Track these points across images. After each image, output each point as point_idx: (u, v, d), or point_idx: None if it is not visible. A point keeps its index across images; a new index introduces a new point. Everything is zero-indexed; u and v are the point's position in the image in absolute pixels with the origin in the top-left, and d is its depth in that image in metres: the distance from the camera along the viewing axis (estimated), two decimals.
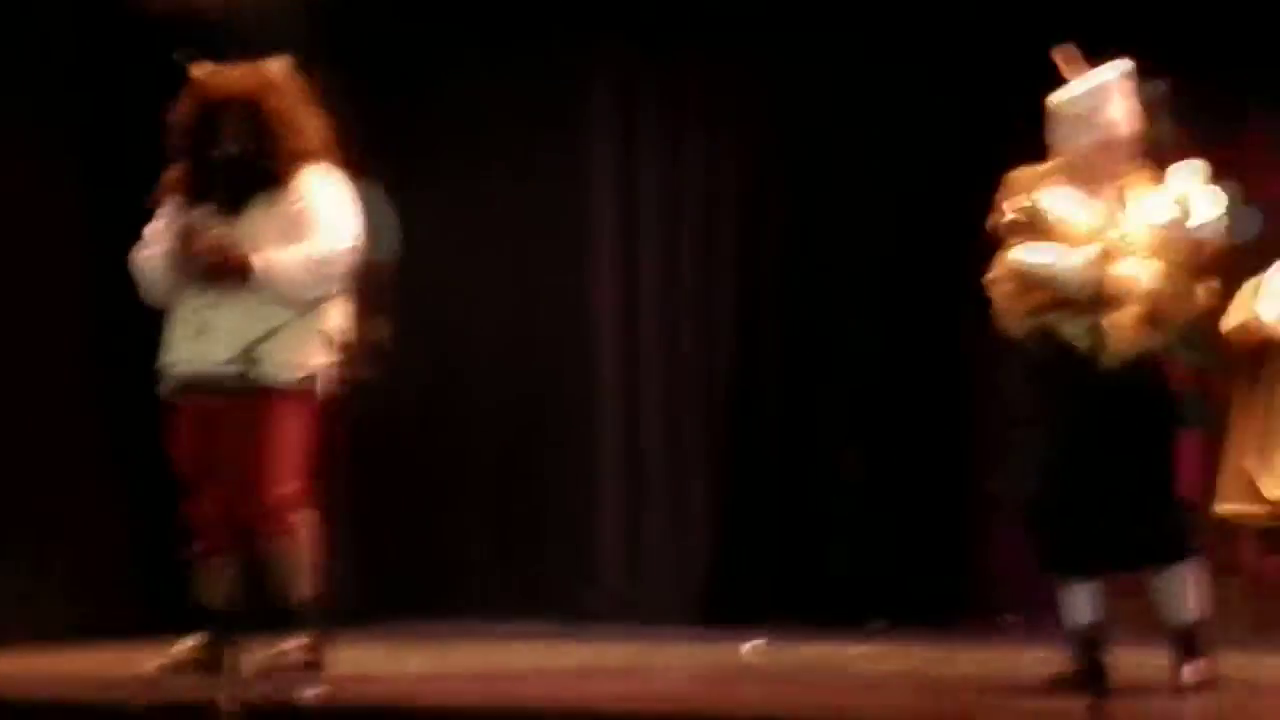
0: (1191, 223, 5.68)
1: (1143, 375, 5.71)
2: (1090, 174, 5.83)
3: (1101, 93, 5.92)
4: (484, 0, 7.55)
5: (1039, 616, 6.88)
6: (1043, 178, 5.87)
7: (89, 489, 7.96)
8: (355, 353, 6.29)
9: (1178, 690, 5.52)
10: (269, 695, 5.34)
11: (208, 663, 5.95)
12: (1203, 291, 5.77)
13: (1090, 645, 5.69)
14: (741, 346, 9.00)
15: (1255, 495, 6.84)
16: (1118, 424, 5.68)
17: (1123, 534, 5.66)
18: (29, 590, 7.84)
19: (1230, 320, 6.91)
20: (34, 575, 7.87)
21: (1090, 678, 5.49)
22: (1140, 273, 5.68)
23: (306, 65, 6.96)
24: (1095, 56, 5.99)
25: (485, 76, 9.19)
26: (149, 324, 6.32)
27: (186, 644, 6.18)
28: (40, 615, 7.79)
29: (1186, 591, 5.71)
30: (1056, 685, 5.64)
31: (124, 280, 6.41)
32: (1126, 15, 7.51)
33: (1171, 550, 5.70)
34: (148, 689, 5.75)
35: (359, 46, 8.86)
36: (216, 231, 6.04)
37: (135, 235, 6.34)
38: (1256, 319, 6.97)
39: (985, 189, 6.02)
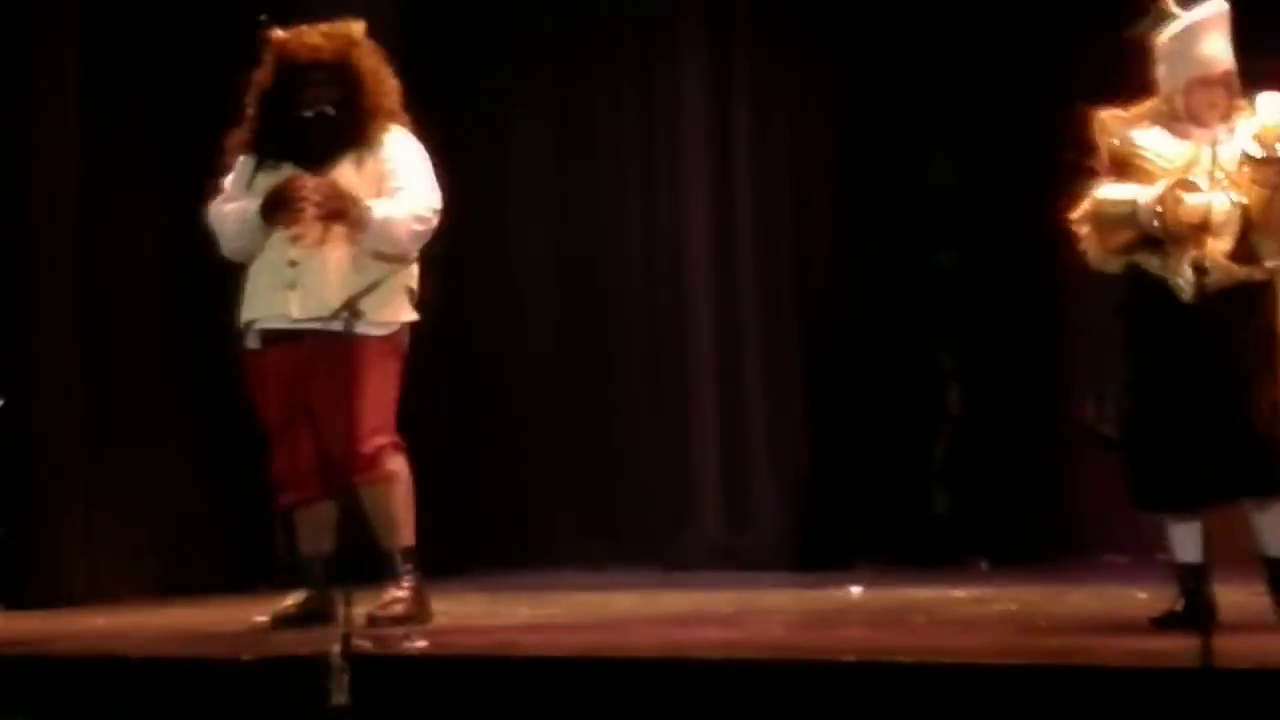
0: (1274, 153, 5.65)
1: (1236, 306, 5.64)
2: (1185, 112, 5.77)
3: (1192, 31, 5.85)
4: None
5: (1143, 554, 6.85)
6: (1136, 117, 5.83)
7: (176, 452, 8.08)
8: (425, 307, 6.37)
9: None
10: (376, 646, 5.37)
11: (314, 615, 6.05)
12: None
13: (1195, 582, 5.64)
14: (836, 286, 8.95)
15: None
16: (1209, 357, 5.62)
17: (1220, 467, 5.58)
18: (123, 549, 8.00)
19: None
20: (127, 534, 8.02)
21: (1196, 615, 5.44)
22: (1226, 205, 5.64)
23: (394, 24, 7.03)
24: None
25: (567, 34, 9.30)
26: (223, 287, 6.42)
27: (292, 597, 6.28)
28: (134, 572, 7.98)
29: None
30: (1162, 624, 5.60)
31: (202, 248, 6.49)
32: None
33: (1271, 481, 5.64)
34: (257, 642, 5.85)
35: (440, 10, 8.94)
36: (328, 181, 6.11)
37: (205, 197, 6.41)
38: None
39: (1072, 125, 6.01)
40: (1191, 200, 5.66)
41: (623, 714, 5.01)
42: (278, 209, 6.11)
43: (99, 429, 7.89)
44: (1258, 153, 5.66)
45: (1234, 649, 4.71)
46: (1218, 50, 5.83)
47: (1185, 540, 5.74)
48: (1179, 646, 4.87)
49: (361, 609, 5.53)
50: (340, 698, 4.91)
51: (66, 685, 5.74)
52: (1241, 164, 5.68)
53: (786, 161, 9.00)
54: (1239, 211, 5.67)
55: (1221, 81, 5.79)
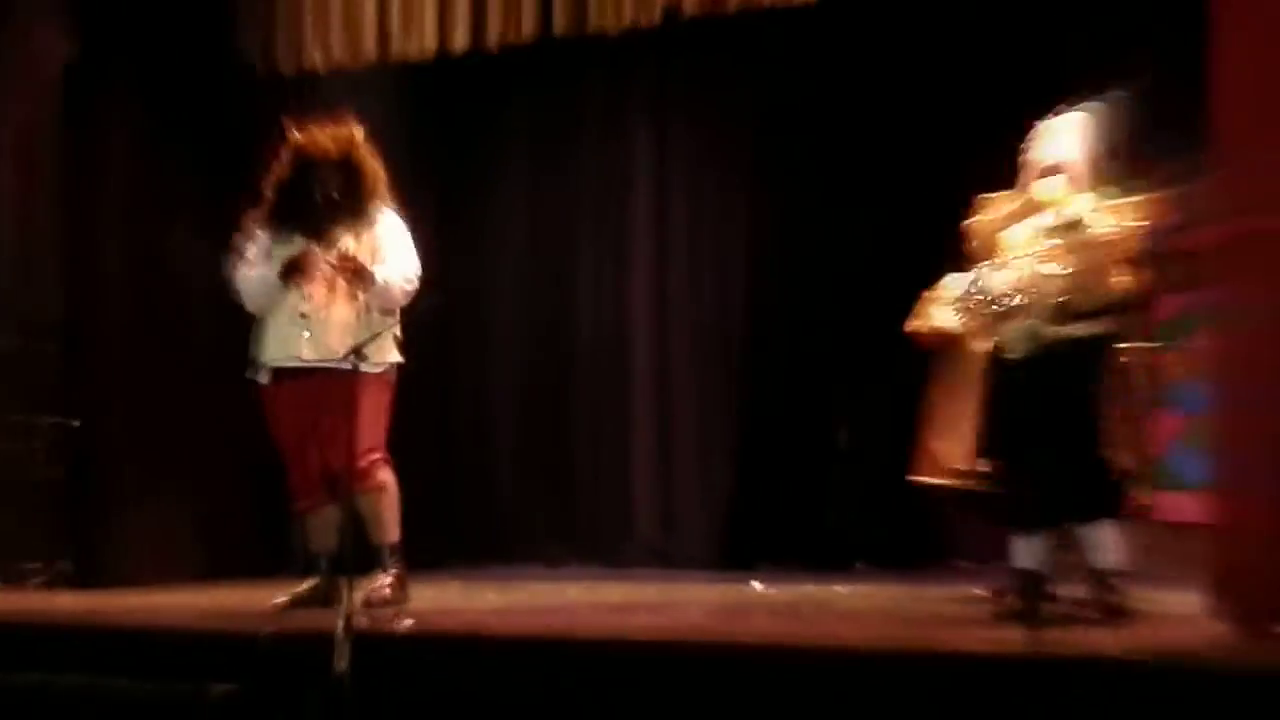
0: (1094, 231, 5.65)
1: (1065, 363, 5.63)
2: (1037, 202, 5.81)
3: (1038, 134, 5.90)
4: (542, 50, 7.58)
5: (986, 561, 6.90)
6: (1010, 217, 5.87)
7: (215, 460, 8.03)
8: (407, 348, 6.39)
9: (1097, 621, 5.52)
10: (371, 625, 5.40)
11: (321, 598, 6.05)
12: (1123, 282, 5.68)
13: (1030, 584, 5.72)
14: (754, 335, 8.86)
15: (942, 469, 6.40)
16: (1043, 407, 5.63)
17: (1057, 496, 5.64)
18: (171, 540, 7.93)
19: (909, 323, 6.59)
20: (171, 527, 7.95)
21: (1029, 613, 5.51)
22: (1039, 278, 5.66)
23: (393, 114, 7.01)
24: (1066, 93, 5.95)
25: (545, 107, 9.25)
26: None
27: (305, 583, 6.27)
28: (179, 560, 7.89)
29: (1106, 541, 5.70)
30: (1001, 619, 5.65)
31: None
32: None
33: (1094, 507, 5.69)
34: (273, 621, 5.83)
35: (433, 105, 8.97)
36: (345, 250, 6.17)
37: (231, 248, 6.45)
38: (926, 323, 6.54)
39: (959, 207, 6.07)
40: (1000, 277, 5.73)
41: (572, 684, 4.99)
42: (293, 274, 6.18)
43: (153, 441, 7.87)
44: (1053, 222, 5.71)
45: (1058, 640, 4.79)
46: (1053, 148, 5.84)
47: (1025, 551, 5.78)
48: (1013, 637, 4.96)
49: (357, 593, 5.55)
50: (342, 665, 4.91)
51: (123, 652, 5.73)
52: (1051, 236, 5.72)
53: (712, 225, 8.98)
54: (1059, 281, 5.67)
55: (1052, 173, 5.80)
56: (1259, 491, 4.91)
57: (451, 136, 9.27)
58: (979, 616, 5.81)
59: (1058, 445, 5.60)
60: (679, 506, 8.70)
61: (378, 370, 6.13)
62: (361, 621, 5.22)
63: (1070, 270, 5.65)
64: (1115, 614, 5.52)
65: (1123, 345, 5.79)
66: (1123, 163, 5.84)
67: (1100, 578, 5.70)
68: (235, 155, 6.67)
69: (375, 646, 5.15)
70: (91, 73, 7.91)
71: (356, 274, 6.14)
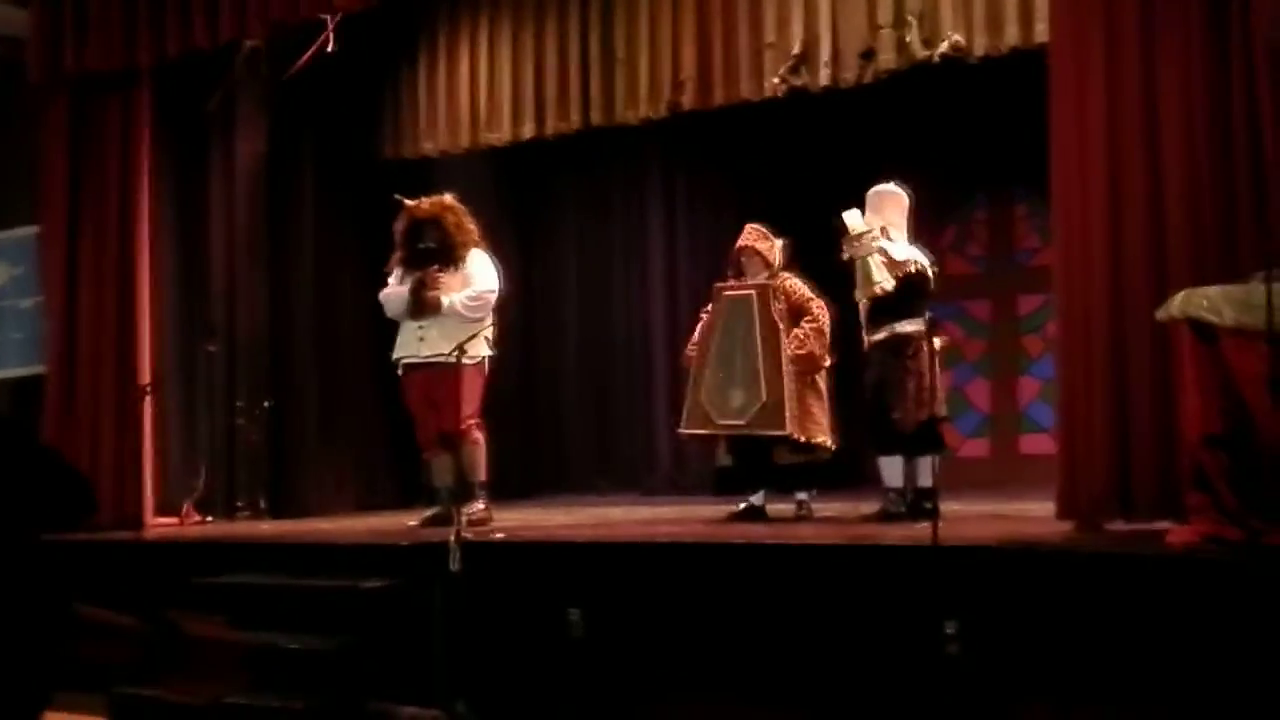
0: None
1: (889, 350, 5.68)
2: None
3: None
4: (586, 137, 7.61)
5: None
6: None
7: (368, 423, 7.98)
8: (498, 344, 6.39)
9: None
10: (475, 536, 5.41)
11: (441, 519, 6.02)
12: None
13: (900, 496, 5.66)
14: None
15: (709, 421, 6.15)
16: (878, 379, 5.70)
17: (896, 435, 5.64)
18: (335, 481, 7.93)
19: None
20: (337, 473, 7.94)
21: (913, 513, 5.47)
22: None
23: (488, 186, 7.04)
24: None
25: (588, 177, 9.16)
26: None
27: (430, 510, 6.29)
28: (340, 496, 7.88)
29: (926, 469, 5.60)
30: (882, 518, 5.59)
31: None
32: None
33: (914, 447, 5.64)
34: (409, 535, 5.89)
35: (512, 176, 8.98)
36: (429, 283, 6.21)
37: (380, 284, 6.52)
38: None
39: None
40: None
41: (616, 574, 5.03)
42: (412, 297, 6.24)
43: (324, 416, 7.88)
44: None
45: (954, 534, 4.74)
46: (854, 213, 5.74)
47: (892, 470, 5.72)
48: (915, 532, 4.88)
49: (462, 515, 5.57)
50: (455, 566, 4.96)
51: (305, 560, 5.82)
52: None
53: (706, 257, 8.50)
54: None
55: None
56: (1089, 432, 4.97)
57: (526, 200, 9.22)
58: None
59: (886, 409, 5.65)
60: (688, 450, 8.62)
61: (473, 362, 6.11)
62: (468, 535, 5.22)
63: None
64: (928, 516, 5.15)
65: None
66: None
67: (922, 493, 5.57)
68: (379, 216, 6.70)
69: (479, 551, 5.16)
70: (280, 162, 7.95)
71: (435, 300, 6.18)
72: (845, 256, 5.76)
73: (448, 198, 6.36)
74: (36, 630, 1.59)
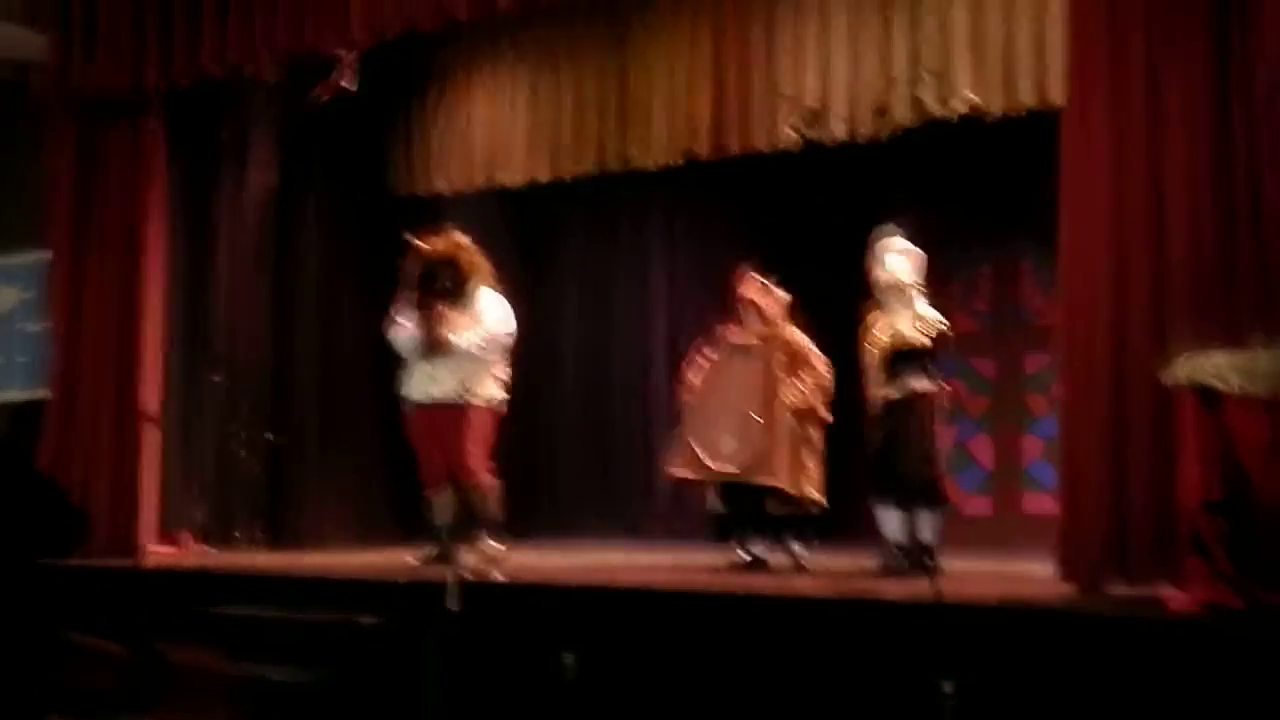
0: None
1: (903, 410, 5.68)
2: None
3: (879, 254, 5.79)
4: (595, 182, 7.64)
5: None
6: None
7: (372, 459, 7.99)
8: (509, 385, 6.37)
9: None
10: (475, 576, 5.41)
11: (442, 557, 6.01)
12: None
13: (897, 550, 5.67)
14: None
15: (700, 465, 6.14)
16: (890, 436, 5.70)
17: (901, 489, 5.64)
18: (334, 515, 7.93)
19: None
20: (336, 506, 7.94)
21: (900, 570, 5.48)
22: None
23: (489, 227, 7.12)
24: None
25: (594, 219, 9.19)
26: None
27: (429, 547, 6.25)
28: (338, 529, 7.86)
29: (927, 524, 5.62)
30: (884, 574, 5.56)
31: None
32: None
33: (919, 500, 5.65)
34: (406, 572, 5.86)
35: (522, 213, 9.00)
36: (439, 323, 6.17)
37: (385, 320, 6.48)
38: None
39: None
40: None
41: (614, 618, 5.03)
42: (421, 336, 6.21)
43: (324, 449, 7.90)
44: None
45: (955, 592, 4.70)
46: (902, 261, 5.78)
47: (893, 524, 5.68)
48: (916, 588, 4.85)
49: (466, 554, 5.55)
50: (454, 605, 4.94)
51: (301, 592, 5.78)
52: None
53: (700, 295, 8.54)
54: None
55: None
56: (1091, 493, 4.94)
57: (537, 239, 9.22)
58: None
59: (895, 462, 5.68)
60: (686, 495, 8.57)
61: (483, 403, 6.11)
62: (468, 574, 5.23)
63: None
64: (930, 572, 5.26)
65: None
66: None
67: (923, 549, 5.59)
68: (387, 252, 6.71)
69: (477, 592, 5.16)
70: (290, 194, 7.98)
71: (444, 338, 6.14)
72: (877, 307, 5.76)
73: (457, 235, 6.33)
74: (25, 654, 1.59)
